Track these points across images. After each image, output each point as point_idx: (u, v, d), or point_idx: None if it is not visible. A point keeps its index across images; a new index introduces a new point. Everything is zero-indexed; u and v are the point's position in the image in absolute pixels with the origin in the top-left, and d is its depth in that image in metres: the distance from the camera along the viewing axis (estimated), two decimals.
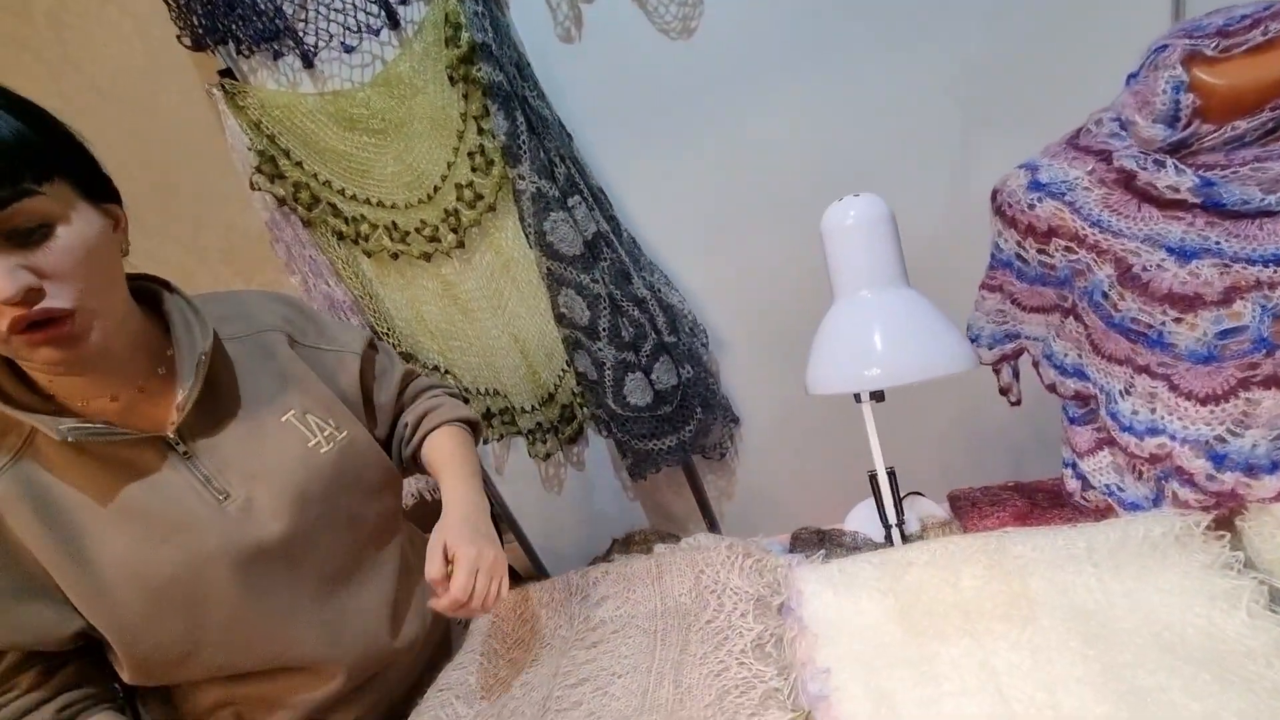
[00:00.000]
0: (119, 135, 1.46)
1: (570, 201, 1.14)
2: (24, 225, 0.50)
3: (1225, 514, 0.63)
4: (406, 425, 0.83)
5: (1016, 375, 0.84)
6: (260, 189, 1.20)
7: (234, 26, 1.09)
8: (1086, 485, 0.75)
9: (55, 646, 0.62)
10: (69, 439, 0.57)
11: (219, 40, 1.10)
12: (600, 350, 1.22)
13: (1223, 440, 0.58)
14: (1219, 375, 0.56)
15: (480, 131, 1.14)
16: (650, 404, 1.25)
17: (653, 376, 1.24)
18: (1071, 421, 0.73)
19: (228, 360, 0.69)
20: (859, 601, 0.71)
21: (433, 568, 0.66)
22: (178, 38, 1.12)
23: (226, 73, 1.16)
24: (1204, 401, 0.58)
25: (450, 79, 1.11)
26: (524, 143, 1.09)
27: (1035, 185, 0.66)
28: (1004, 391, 0.84)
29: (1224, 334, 0.56)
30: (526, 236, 1.17)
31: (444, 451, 0.80)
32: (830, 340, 0.68)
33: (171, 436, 0.64)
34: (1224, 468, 0.58)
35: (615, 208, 1.23)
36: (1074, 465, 0.75)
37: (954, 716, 0.56)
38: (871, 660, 0.65)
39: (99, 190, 0.58)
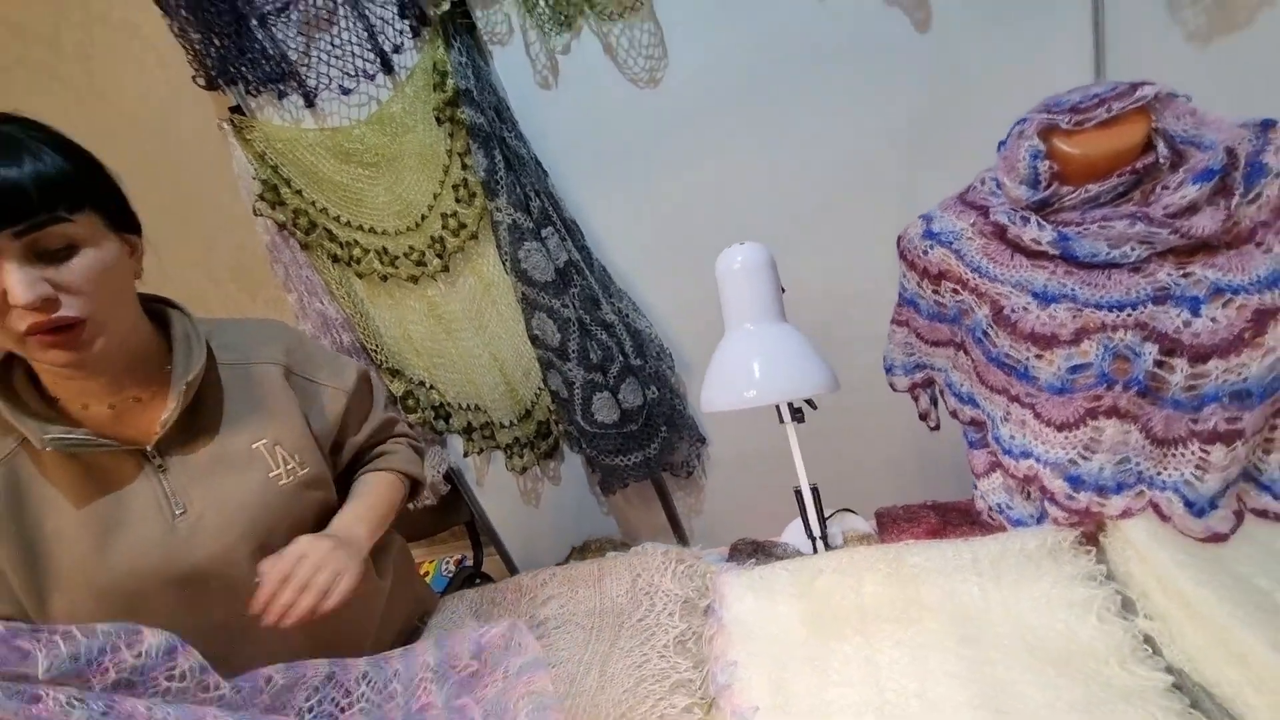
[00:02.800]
0: (138, 159, 1.58)
1: (544, 232, 1.23)
2: (52, 246, 0.59)
3: (1092, 530, 0.71)
4: (362, 463, 0.88)
5: (934, 402, 0.91)
6: (262, 214, 1.31)
7: (244, 69, 1.20)
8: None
9: None
10: (48, 448, 0.63)
11: (230, 81, 1.22)
12: (570, 370, 1.30)
13: (1075, 463, 0.65)
14: (1071, 405, 0.64)
15: (464, 167, 1.25)
16: (616, 422, 1.33)
17: (619, 396, 1.32)
18: (970, 445, 0.81)
19: (217, 384, 0.74)
20: (775, 605, 0.78)
21: (267, 564, 0.67)
22: (193, 78, 1.24)
23: (236, 109, 1.27)
24: (1060, 428, 0.65)
25: (437, 119, 1.21)
26: (501, 178, 1.19)
27: (929, 234, 0.74)
28: (923, 417, 0.92)
29: (1074, 369, 0.63)
30: (503, 263, 1.26)
31: (365, 486, 0.83)
32: (719, 365, 0.76)
33: (149, 449, 0.69)
34: (1079, 488, 0.66)
35: (587, 238, 1.32)
36: (976, 486, 0.83)
37: (835, 703, 0.63)
38: (778, 656, 0.72)
39: (122, 221, 0.66)
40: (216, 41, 1.19)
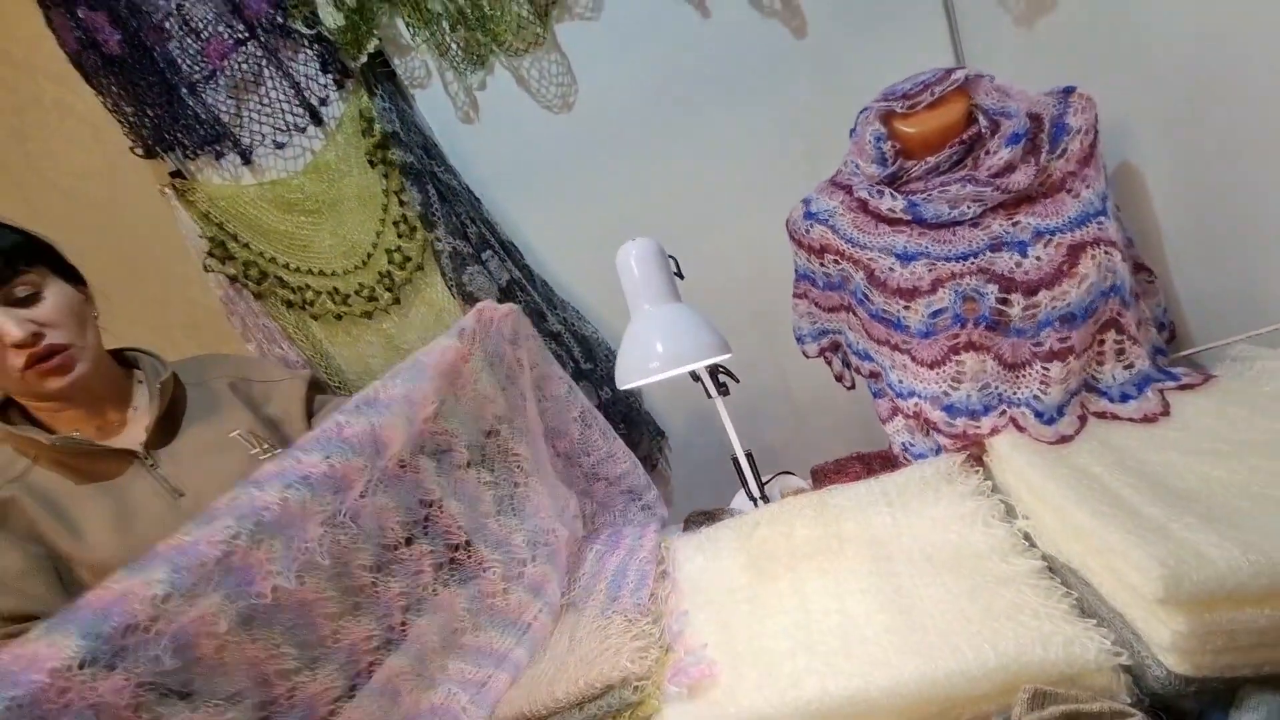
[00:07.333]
0: (85, 231, 1.61)
1: (484, 256, 1.32)
2: (21, 293, 0.76)
3: (979, 452, 0.81)
4: None
5: (847, 365, 1.01)
6: (212, 270, 1.37)
7: (179, 135, 1.27)
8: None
9: None
10: (56, 444, 0.77)
11: (167, 148, 1.28)
12: None
13: (947, 394, 0.76)
14: (936, 345, 0.75)
15: (401, 204, 1.32)
16: None
17: None
18: (874, 396, 0.91)
19: (185, 399, 0.90)
20: (720, 560, 0.87)
21: None
22: (131, 149, 1.30)
23: (176, 173, 1.33)
24: (931, 366, 0.76)
25: (370, 162, 1.29)
26: (437, 210, 1.27)
27: (809, 215, 0.85)
28: (838, 378, 1.02)
29: (935, 314, 0.74)
30: (449, 289, 1.34)
31: None
32: (628, 346, 0.86)
33: (140, 450, 0.82)
34: (954, 415, 0.76)
35: (527, 257, 1.41)
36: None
37: (770, 630, 0.72)
38: (722, 602, 0.80)
39: (66, 272, 0.83)
40: (150, 112, 1.25)
